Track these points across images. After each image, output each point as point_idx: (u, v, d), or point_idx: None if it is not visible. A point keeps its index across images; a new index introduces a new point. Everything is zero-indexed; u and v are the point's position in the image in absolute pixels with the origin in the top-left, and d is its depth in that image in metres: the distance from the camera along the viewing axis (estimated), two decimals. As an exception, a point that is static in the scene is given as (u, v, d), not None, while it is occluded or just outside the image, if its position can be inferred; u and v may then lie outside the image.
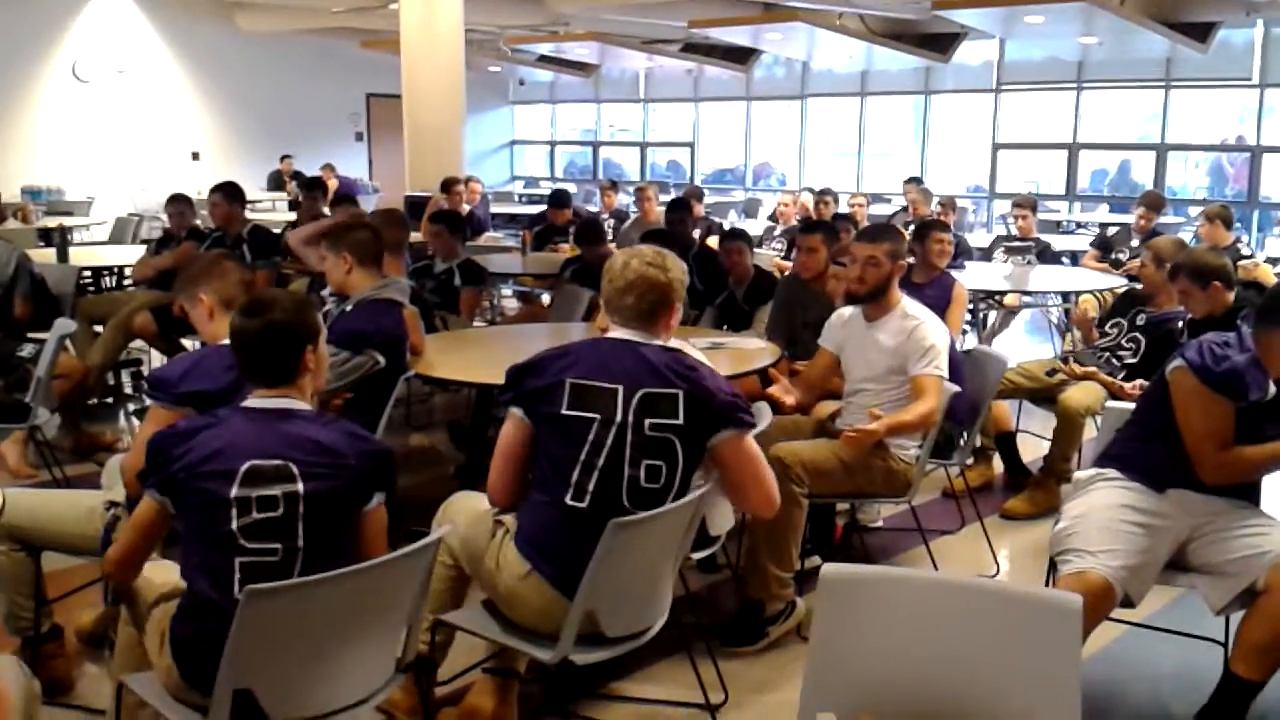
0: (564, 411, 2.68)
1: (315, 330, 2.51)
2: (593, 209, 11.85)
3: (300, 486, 2.30)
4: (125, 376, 6.88)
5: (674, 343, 2.88)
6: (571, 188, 17.67)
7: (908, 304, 3.95)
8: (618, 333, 2.80)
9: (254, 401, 2.44)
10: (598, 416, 2.67)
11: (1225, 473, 3.01)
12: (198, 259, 3.53)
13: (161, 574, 2.57)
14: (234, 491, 2.27)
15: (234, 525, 2.27)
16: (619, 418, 2.66)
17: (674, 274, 2.80)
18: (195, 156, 15.17)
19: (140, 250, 7.66)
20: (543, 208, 9.83)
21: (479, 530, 2.83)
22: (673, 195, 12.01)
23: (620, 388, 2.68)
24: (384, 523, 2.47)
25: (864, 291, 3.92)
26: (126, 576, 2.54)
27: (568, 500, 2.68)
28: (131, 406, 6.57)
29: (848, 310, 4.12)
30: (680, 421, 2.67)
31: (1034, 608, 2.10)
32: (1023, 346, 8.42)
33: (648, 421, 2.66)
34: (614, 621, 2.64)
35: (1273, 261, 6.98)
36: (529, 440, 2.77)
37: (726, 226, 9.08)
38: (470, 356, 4.80)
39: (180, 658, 2.31)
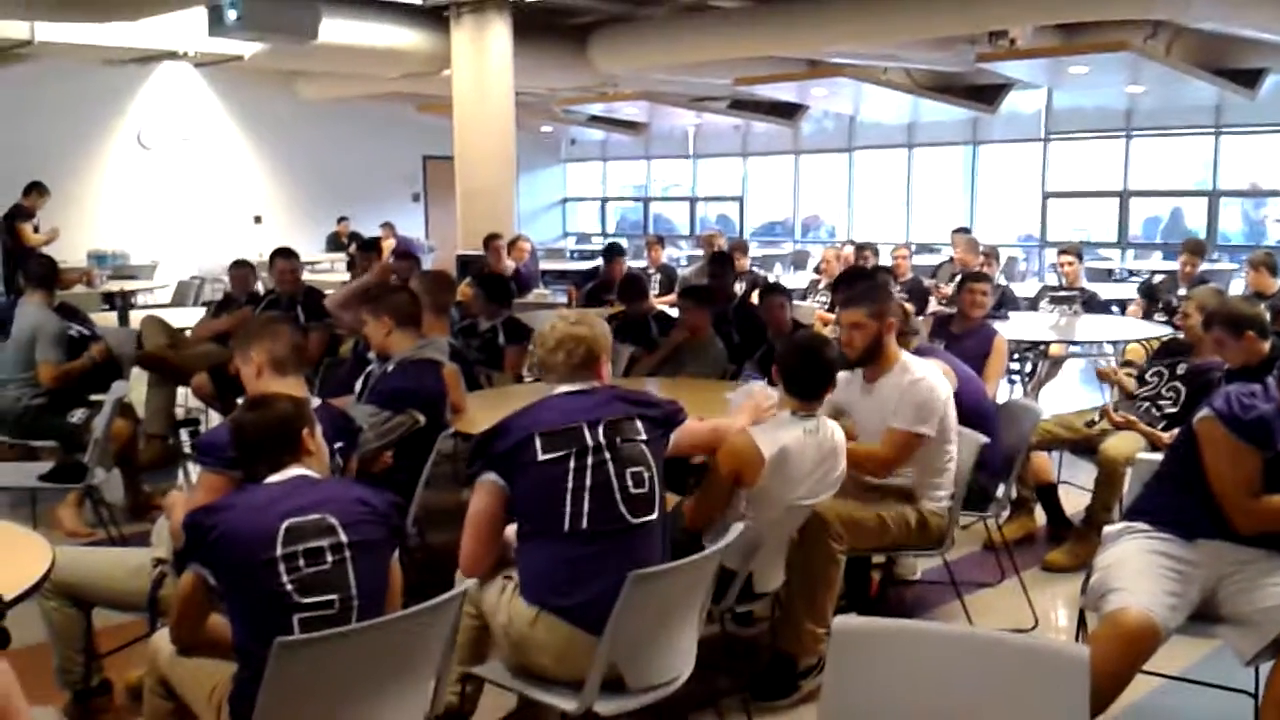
0: (540, 459, 2.80)
1: (312, 420, 2.69)
2: (641, 264, 11.96)
3: (344, 536, 2.38)
4: (184, 435, 7.04)
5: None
6: (623, 243, 17.86)
7: (908, 360, 3.95)
8: (561, 388, 2.99)
9: (274, 478, 2.54)
10: (573, 449, 2.81)
11: (1257, 521, 3.02)
12: (256, 319, 3.64)
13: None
14: (278, 550, 2.32)
15: (285, 584, 2.32)
16: (591, 443, 2.83)
17: (597, 329, 3.05)
18: (258, 220, 15.51)
19: (201, 312, 7.87)
20: (594, 263, 9.87)
21: (491, 586, 2.92)
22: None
23: (584, 422, 2.86)
24: (400, 577, 2.57)
25: (856, 356, 3.95)
26: (193, 644, 2.59)
27: (565, 529, 2.77)
28: (190, 466, 6.72)
29: (845, 373, 4.10)
30: (644, 436, 2.93)
31: (1043, 660, 2.13)
32: (1075, 396, 8.35)
33: (618, 439, 2.86)
34: (636, 672, 2.69)
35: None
36: (504, 506, 2.89)
37: (771, 280, 9.15)
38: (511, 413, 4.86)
39: None
